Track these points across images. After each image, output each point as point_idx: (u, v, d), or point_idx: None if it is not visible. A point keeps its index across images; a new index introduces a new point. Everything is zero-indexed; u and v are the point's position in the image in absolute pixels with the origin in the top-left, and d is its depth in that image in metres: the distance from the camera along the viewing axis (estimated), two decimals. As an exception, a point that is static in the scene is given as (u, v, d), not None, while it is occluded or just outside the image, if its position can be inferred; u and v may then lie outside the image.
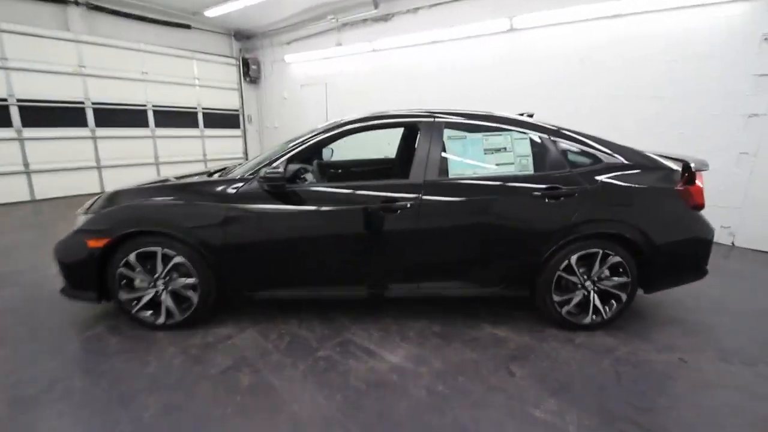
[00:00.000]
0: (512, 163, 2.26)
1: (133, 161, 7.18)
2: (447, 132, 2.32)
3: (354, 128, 2.35)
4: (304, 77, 8.08)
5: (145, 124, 7.30)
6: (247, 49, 8.85)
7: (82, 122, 6.51)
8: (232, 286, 2.30)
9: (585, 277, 2.25)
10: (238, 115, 8.89)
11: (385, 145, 4.27)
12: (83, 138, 6.56)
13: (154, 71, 7.27)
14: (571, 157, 2.30)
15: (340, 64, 7.30)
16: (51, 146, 6.21)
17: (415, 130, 2.57)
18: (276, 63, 8.45)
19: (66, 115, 6.31)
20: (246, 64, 8.62)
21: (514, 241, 2.24)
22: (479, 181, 2.23)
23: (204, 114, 8.20)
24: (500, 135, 2.30)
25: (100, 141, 6.75)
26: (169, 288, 2.25)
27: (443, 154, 2.28)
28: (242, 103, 8.89)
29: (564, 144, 2.29)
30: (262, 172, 2.14)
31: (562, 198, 2.17)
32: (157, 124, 7.44)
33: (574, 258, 2.20)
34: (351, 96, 7.24)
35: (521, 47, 5.14)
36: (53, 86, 6.12)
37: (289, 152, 2.28)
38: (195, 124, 8.10)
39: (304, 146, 2.31)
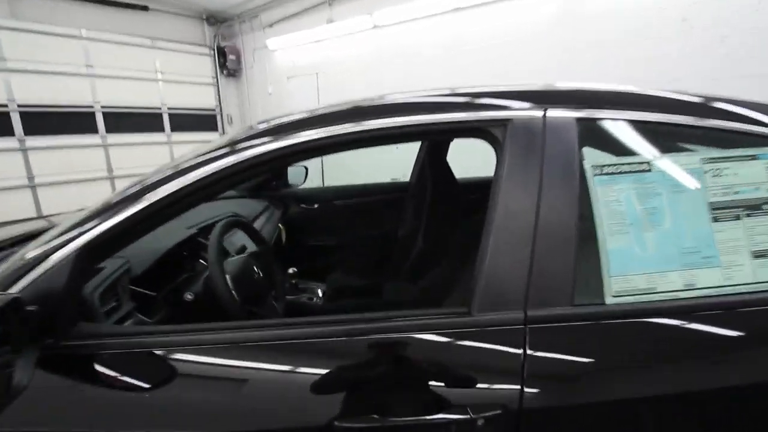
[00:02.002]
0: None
1: (78, 176, 5.74)
2: (591, 155, 0.81)
3: (324, 145, 0.86)
4: (291, 67, 6.60)
5: (94, 130, 5.86)
6: (224, 36, 7.36)
7: (6, 131, 5.08)
8: None
9: None
10: (215, 116, 7.43)
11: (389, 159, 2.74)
12: (8, 150, 5.13)
13: (103, 64, 5.81)
14: None
15: (333, 48, 5.81)
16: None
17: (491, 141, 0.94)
18: (258, 51, 6.97)
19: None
20: (223, 54, 7.14)
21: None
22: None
23: (171, 115, 6.74)
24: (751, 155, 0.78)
25: (33, 153, 5.31)
26: None
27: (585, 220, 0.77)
28: (219, 101, 7.42)
29: None
30: None
31: None
32: (109, 130, 5.99)
33: None
34: (348, 87, 5.74)
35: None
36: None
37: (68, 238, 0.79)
38: (160, 128, 6.65)
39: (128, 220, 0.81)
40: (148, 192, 0.80)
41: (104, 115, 5.92)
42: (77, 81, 5.61)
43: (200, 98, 7.16)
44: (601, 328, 0.74)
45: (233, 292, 1.13)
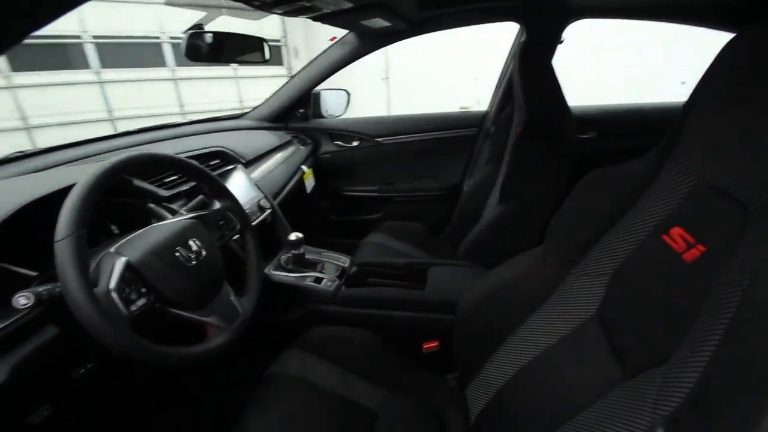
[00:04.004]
0: None
1: (148, 111, 5.78)
2: None
3: None
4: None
5: (161, 63, 5.78)
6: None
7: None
8: None
9: None
10: (279, 47, 6.94)
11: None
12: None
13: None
14: None
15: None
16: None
17: None
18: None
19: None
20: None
21: None
22: None
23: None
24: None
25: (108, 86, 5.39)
26: None
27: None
28: (285, 32, 6.88)
29: None
30: None
31: None
32: (179, 63, 5.86)
33: None
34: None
35: None
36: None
37: None
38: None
39: None
40: None
41: (173, 46, 5.77)
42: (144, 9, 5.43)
43: (264, 29, 6.67)
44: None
45: (119, 304, 0.60)
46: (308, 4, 0.90)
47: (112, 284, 0.62)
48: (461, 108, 2.47)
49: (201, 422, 1.19)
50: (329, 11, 1.04)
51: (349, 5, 1.02)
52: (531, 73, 1.15)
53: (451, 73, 5.59)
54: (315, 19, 1.14)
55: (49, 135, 4.79)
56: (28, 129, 4.86)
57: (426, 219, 1.83)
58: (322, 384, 0.91)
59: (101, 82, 5.30)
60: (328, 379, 0.93)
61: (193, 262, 0.74)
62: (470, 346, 0.94)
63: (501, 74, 1.73)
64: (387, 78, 6.47)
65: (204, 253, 0.77)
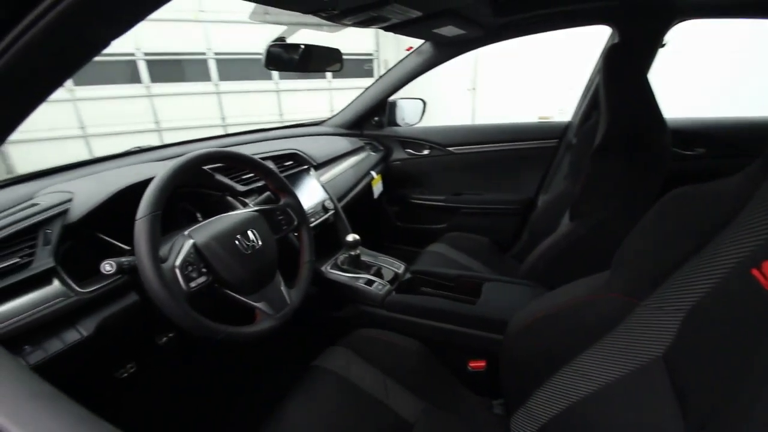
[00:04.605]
0: None
1: (257, 119, 6.48)
2: None
3: None
4: None
5: (267, 76, 6.45)
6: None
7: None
8: None
9: None
10: (371, 61, 7.26)
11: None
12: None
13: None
14: None
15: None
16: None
17: None
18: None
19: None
20: (384, -9, 6.75)
21: None
22: None
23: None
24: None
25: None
26: None
27: None
28: (378, 45, 7.18)
29: None
30: None
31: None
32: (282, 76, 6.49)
33: None
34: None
35: None
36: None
37: None
38: (321, 75, 6.89)
39: None
40: None
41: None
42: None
43: (358, 43, 7.05)
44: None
45: (180, 279, 0.69)
46: (375, 14, 0.93)
47: (178, 262, 0.71)
48: (540, 118, 2.30)
49: (247, 400, 1.29)
50: (399, 21, 1.06)
51: (418, 14, 1.03)
52: (617, 79, 1.03)
53: (544, 81, 5.27)
54: (387, 29, 1.18)
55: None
56: (159, 131, 5.81)
57: (494, 233, 1.75)
58: (361, 385, 0.92)
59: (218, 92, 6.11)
60: (368, 381, 0.93)
61: (249, 251, 0.82)
62: (517, 371, 0.86)
63: (588, 82, 1.58)
64: (474, 89, 6.35)
65: (260, 243, 0.84)
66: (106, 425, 0.37)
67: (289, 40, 1.11)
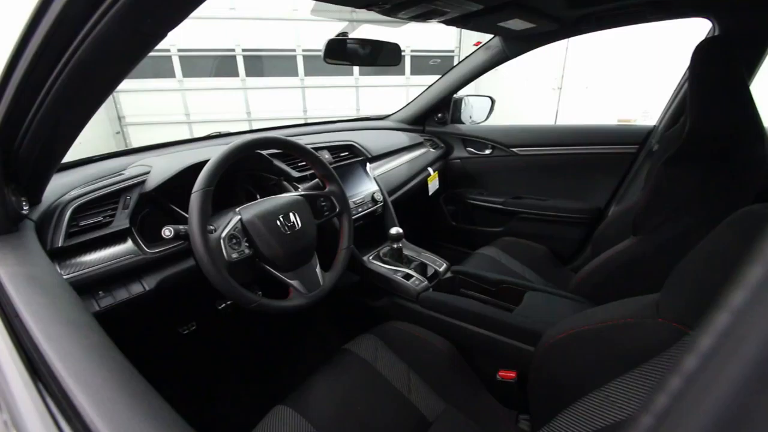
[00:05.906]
0: None
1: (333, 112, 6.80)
2: None
3: None
4: None
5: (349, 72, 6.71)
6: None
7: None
8: None
9: None
10: (452, 57, 7.14)
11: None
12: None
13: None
14: None
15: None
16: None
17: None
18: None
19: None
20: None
21: None
22: None
23: (412, 57, 6.90)
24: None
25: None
26: None
27: None
28: (460, 42, 7.03)
29: None
30: None
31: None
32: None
33: None
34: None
35: None
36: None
37: None
38: (400, 71, 6.96)
39: None
40: None
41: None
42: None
43: (440, 39, 6.97)
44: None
45: (223, 249, 0.77)
46: (432, 7, 0.93)
47: (224, 234, 0.79)
48: (619, 121, 2.06)
49: (285, 368, 1.39)
50: (458, 15, 1.04)
51: (478, 7, 1.00)
52: (707, 77, 0.89)
53: (635, 81, 4.70)
54: (448, 23, 1.16)
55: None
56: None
57: (553, 242, 1.63)
58: (385, 374, 0.94)
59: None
60: (392, 371, 0.95)
61: (288, 231, 0.88)
62: (545, 387, 0.81)
63: (679, 83, 1.38)
64: (560, 88, 5.91)
65: (299, 225, 0.90)
66: (138, 376, 0.44)
67: (352, 35, 1.15)
